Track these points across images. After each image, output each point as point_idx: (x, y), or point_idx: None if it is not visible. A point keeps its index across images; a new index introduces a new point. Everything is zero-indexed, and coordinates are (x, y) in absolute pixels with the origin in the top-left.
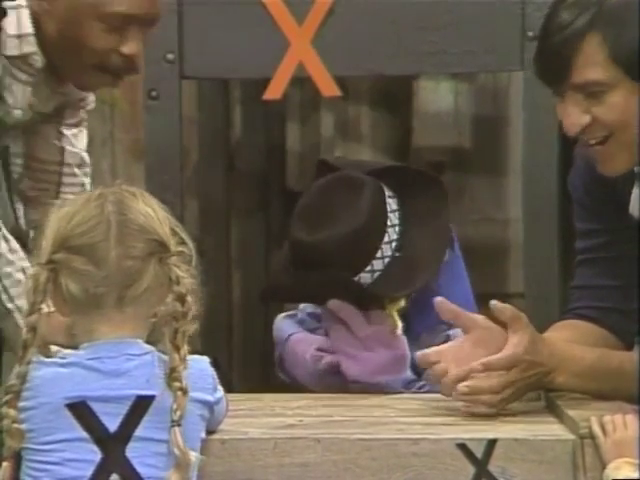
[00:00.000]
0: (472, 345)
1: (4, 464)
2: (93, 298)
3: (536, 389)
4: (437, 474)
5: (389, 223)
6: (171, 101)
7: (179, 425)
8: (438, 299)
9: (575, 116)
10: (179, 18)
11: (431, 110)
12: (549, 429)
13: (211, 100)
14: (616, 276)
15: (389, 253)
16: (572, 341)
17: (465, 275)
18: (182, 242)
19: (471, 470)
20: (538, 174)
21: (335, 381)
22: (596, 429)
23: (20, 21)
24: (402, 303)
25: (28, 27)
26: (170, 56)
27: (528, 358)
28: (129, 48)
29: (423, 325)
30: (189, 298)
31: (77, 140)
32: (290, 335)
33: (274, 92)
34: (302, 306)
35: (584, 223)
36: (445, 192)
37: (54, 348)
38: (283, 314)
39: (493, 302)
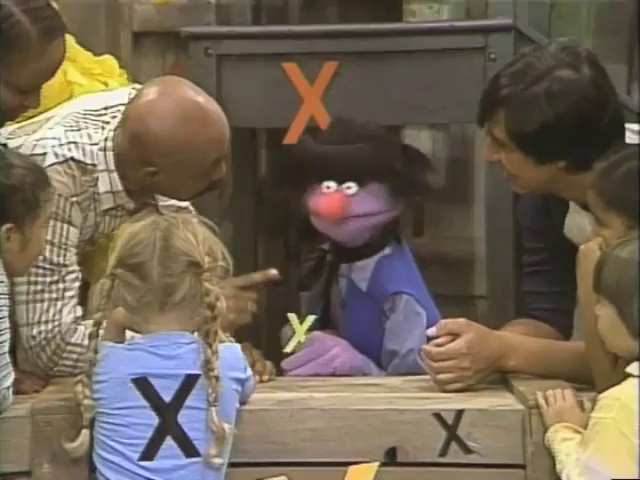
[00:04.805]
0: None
1: (84, 431)
2: (142, 304)
3: (494, 371)
4: (418, 437)
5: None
6: None
7: (215, 405)
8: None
9: (488, 152)
10: (217, 79)
11: None
12: (504, 402)
13: (242, 144)
14: (556, 283)
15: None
16: (523, 334)
17: (413, 264)
18: (223, 257)
19: (444, 434)
20: (498, 202)
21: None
22: (540, 401)
23: (112, 181)
24: None
25: (119, 185)
26: None
27: (474, 351)
28: (218, 175)
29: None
30: (218, 304)
31: None
32: None
33: (291, 138)
34: None
35: (529, 242)
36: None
37: (129, 333)
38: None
39: (434, 329)
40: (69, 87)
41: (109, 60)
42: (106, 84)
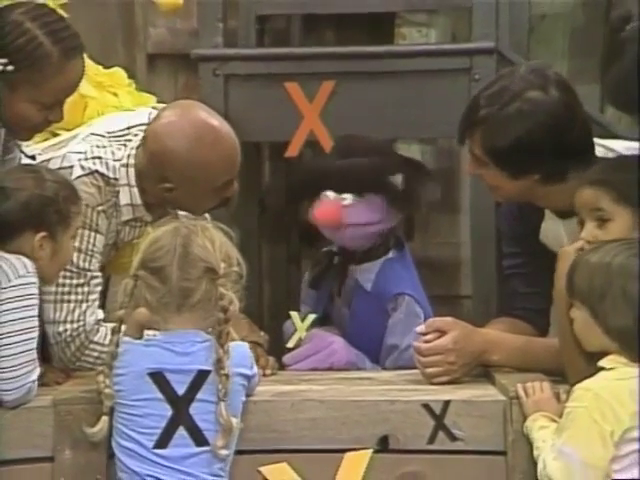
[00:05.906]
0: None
1: (103, 417)
2: (161, 305)
3: (478, 365)
4: (408, 426)
5: None
6: None
7: (224, 400)
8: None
9: (470, 166)
10: (225, 97)
11: None
12: (487, 393)
13: (248, 157)
14: (533, 285)
15: None
16: (504, 332)
17: (413, 268)
18: (238, 263)
19: (432, 423)
20: (481, 210)
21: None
22: (520, 392)
23: (132, 195)
24: None
25: (138, 199)
26: None
27: (460, 346)
28: (229, 194)
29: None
30: (231, 308)
31: None
32: None
33: (292, 151)
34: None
35: (508, 247)
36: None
37: (148, 332)
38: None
39: (423, 327)
40: (83, 100)
41: (118, 72)
42: (116, 94)
